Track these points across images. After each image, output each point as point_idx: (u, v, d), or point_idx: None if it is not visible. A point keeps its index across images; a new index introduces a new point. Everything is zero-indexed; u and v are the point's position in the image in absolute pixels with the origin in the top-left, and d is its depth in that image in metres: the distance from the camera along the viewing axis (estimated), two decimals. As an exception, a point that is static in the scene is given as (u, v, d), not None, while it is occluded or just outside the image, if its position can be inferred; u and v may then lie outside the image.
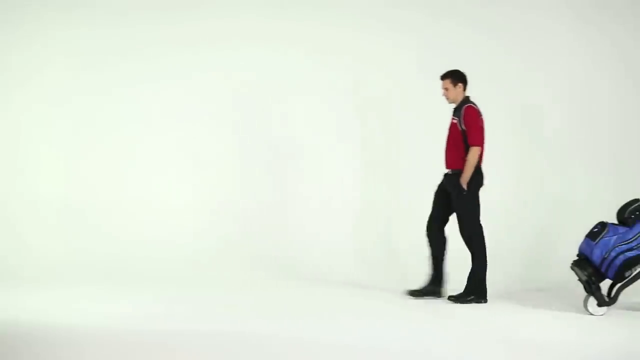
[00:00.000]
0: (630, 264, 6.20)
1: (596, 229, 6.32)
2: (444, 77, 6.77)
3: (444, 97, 6.81)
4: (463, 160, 6.65)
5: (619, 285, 6.28)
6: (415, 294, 6.78)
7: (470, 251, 6.71)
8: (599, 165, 8.29)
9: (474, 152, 6.62)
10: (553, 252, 7.79)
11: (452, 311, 6.39)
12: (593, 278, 6.24)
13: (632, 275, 6.24)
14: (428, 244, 6.86)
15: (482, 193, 6.75)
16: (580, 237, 6.44)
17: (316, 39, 8.22)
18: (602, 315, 6.23)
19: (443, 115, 7.82)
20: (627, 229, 6.27)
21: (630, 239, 6.22)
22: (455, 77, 6.73)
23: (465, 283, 6.70)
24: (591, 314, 6.24)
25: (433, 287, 6.79)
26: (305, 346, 5.24)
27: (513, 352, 5.20)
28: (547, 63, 8.40)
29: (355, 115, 8.34)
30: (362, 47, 8.27)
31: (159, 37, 8.14)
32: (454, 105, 6.82)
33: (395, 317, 6.19)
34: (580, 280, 6.35)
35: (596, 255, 6.23)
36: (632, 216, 6.29)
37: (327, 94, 8.30)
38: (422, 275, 6.89)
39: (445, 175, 6.83)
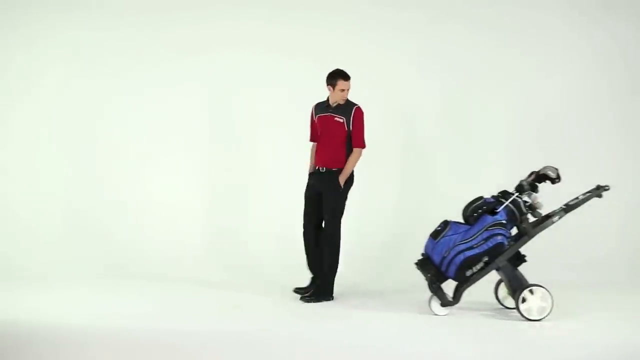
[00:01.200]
0: (470, 263, 6.04)
1: (439, 228, 6.18)
2: (349, 77, 6.65)
3: (342, 97, 6.68)
4: (342, 160, 6.64)
5: (457, 285, 6.14)
6: (301, 292, 6.75)
7: (326, 250, 6.65)
8: (599, 164, 8.15)
9: (359, 153, 6.65)
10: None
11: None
12: (434, 278, 6.11)
13: (473, 275, 6.08)
14: (306, 249, 6.79)
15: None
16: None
17: (313, 43, 8.19)
18: (445, 315, 6.11)
19: (441, 115, 8.11)
20: (469, 227, 6.13)
21: (470, 237, 6.06)
22: None
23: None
24: (435, 314, 6.13)
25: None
26: (302, 345, 5.37)
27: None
28: (548, 62, 8.26)
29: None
30: (360, 49, 8.23)
31: (159, 41, 8.22)
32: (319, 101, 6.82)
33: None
34: (426, 279, 6.23)
35: (436, 254, 6.09)
36: (475, 214, 6.13)
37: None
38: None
39: (317, 173, 6.76)
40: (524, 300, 5.95)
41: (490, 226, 6.05)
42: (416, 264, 6.20)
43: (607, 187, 6.26)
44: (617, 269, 7.64)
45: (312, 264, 6.79)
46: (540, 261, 7.55)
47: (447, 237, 6.08)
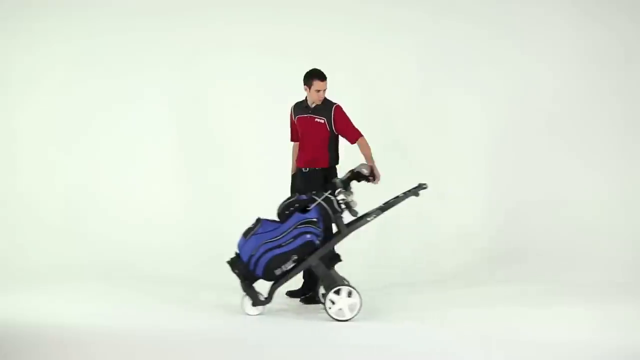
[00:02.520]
0: (278, 261, 5.89)
1: (252, 225, 6.04)
2: (326, 78, 6.43)
3: (318, 98, 6.49)
4: (327, 159, 6.47)
5: (272, 284, 6.01)
6: (295, 294, 6.60)
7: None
8: (600, 163, 8.02)
9: (365, 141, 6.39)
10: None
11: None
12: (242, 276, 5.97)
13: (283, 273, 5.95)
14: None
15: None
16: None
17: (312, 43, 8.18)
18: (257, 315, 5.98)
19: (443, 114, 8.07)
20: (279, 225, 5.99)
21: (279, 235, 5.92)
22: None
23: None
24: (248, 314, 6.00)
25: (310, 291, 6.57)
26: (303, 345, 5.33)
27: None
28: (548, 61, 8.11)
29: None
30: (360, 49, 8.23)
31: (158, 45, 8.32)
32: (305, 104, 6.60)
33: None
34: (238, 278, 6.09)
35: (245, 253, 5.94)
36: (287, 212, 6.00)
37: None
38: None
39: (301, 174, 6.55)
40: (332, 302, 5.83)
41: (301, 224, 5.91)
42: (228, 262, 6.05)
43: (425, 186, 6.15)
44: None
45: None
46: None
47: (256, 235, 5.95)
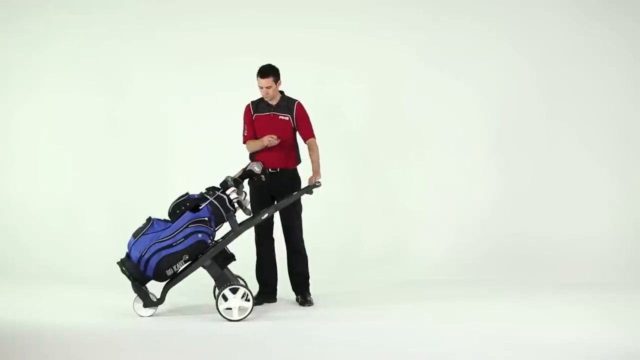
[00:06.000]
0: (169, 262, 5.80)
1: (142, 225, 5.93)
2: (265, 75, 6.19)
3: (264, 95, 6.30)
4: (294, 158, 6.33)
5: (165, 284, 5.91)
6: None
7: (299, 252, 6.37)
8: (601, 162, 7.90)
9: (316, 143, 6.30)
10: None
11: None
12: (132, 277, 5.85)
13: (175, 274, 5.86)
14: (264, 258, 6.44)
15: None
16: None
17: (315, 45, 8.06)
18: (150, 316, 5.89)
19: (443, 112, 8.01)
20: (170, 224, 5.88)
21: (170, 235, 5.81)
22: (277, 74, 6.23)
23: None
24: (140, 316, 5.90)
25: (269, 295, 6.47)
26: (303, 345, 5.31)
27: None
28: (550, 58, 7.98)
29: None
30: (359, 49, 8.10)
31: (158, 49, 8.23)
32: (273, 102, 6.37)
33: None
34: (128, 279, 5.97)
35: (134, 253, 5.83)
36: (178, 211, 5.89)
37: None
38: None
39: (270, 174, 6.28)
40: (225, 299, 5.77)
41: (192, 223, 5.83)
42: (118, 263, 5.93)
43: (318, 184, 6.13)
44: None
45: (266, 272, 6.44)
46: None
47: (146, 235, 5.84)
